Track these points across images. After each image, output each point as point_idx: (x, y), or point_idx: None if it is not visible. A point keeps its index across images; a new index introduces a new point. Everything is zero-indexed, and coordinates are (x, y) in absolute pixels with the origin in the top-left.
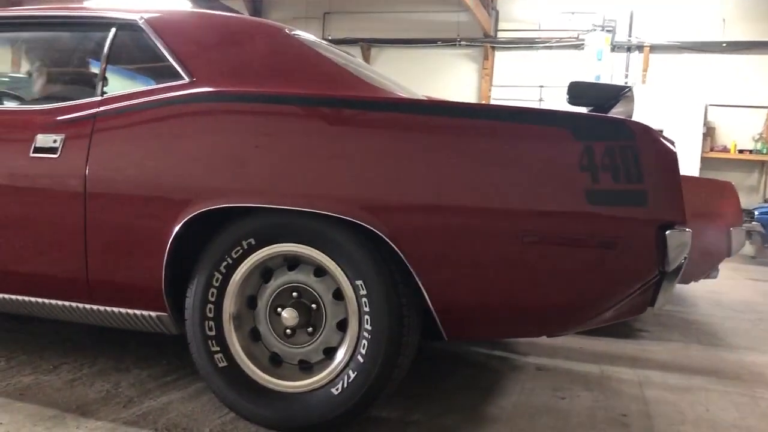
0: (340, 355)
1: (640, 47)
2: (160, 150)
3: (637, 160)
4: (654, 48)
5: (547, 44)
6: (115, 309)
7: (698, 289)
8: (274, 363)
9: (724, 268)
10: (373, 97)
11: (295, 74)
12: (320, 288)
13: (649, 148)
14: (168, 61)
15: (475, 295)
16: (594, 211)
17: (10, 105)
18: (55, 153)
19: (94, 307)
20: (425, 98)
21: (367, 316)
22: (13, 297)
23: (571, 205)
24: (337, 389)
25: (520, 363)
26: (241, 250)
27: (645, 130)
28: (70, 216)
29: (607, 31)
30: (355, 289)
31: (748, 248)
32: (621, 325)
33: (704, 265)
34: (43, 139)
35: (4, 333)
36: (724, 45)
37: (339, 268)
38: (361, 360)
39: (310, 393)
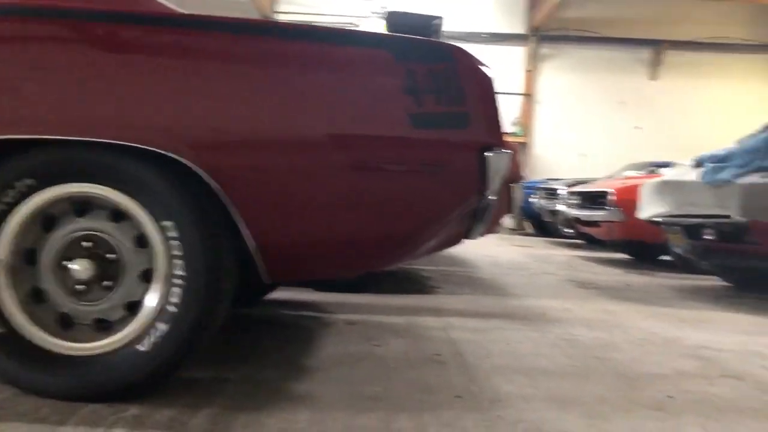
0: (147, 307)
1: None
2: None
3: (459, 83)
4: None
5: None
6: None
7: (477, 254)
8: (65, 325)
9: (493, 238)
10: (169, 12)
11: None
12: (118, 234)
13: (470, 72)
14: None
15: (300, 230)
16: (419, 134)
17: None
18: None
19: None
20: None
21: (178, 261)
22: None
23: (396, 129)
24: (144, 345)
25: (329, 320)
26: (15, 194)
27: (465, 54)
28: None
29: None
30: (163, 231)
31: (510, 221)
32: (417, 283)
33: (493, 219)
34: None
35: None
36: (485, 36)
37: (142, 209)
38: (173, 310)
39: (112, 353)
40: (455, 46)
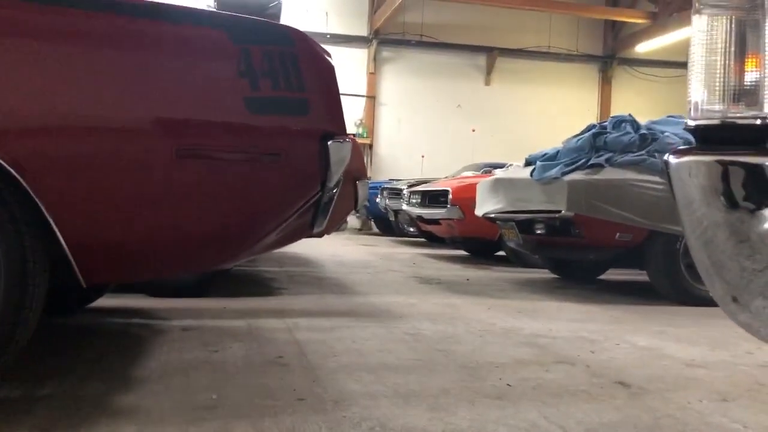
0: None
1: None
2: None
3: (298, 68)
4: None
5: None
6: None
7: (323, 254)
8: None
9: (339, 238)
10: None
11: None
12: None
13: (310, 56)
14: None
15: (121, 227)
16: (255, 120)
17: None
18: None
19: None
20: None
21: None
22: None
23: (229, 114)
24: None
25: (163, 327)
26: None
27: (304, 37)
28: None
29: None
30: None
31: (355, 222)
32: (261, 285)
33: (338, 216)
34: None
35: None
36: (328, 36)
37: None
38: None
39: None
40: (295, 29)
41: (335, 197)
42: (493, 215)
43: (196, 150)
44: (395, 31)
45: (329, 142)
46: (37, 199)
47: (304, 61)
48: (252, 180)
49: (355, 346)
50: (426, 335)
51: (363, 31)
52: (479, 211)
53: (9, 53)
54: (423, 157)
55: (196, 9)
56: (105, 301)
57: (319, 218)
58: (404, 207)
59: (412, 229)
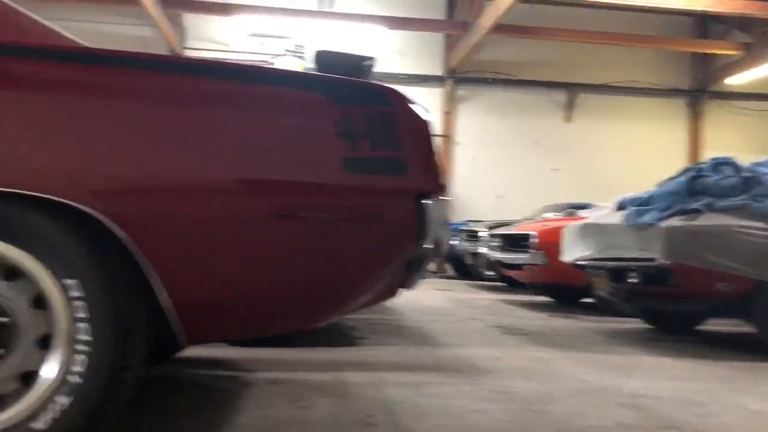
0: (44, 378)
1: None
2: None
3: (395, 127)
4: None
5: None
6: None
7: (400, 299)
8: None
9: None
10: (64, 45)
11: None
12: (12, 294)
13: (406, 115)
14: None
15: (223, 286)
16: (352, 180)
17: None
18: None
19: None
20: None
21: (82, 324)
22: None
23: (328, 174)
24: (40, 423)
25: (249, 379)
26: None
27: (401, 96)
28: None
29: (298, 56)
30: (65, 290)
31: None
32: (343, 334)
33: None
34: None
35: None
36: (403, 77)
37: (40, 265)
38: (77, 380)
39: None
40: (391, 88)
41: (429, 255)
42: (582, 262)
43: (295, 210)
44: (471, 69)
45: (426, 202)
46: (141, 259)
47: (401, 121)
48: (349, 239)
49: (445, 405)
50: (517, 393)
51: (438, 70)
52: (566, 258)
53: (119, 116)
54: (500, 197)
55: (294, 72)
56: (190, 351)
57: (413, 277)
58: (483, 250)
59: (490, 273)
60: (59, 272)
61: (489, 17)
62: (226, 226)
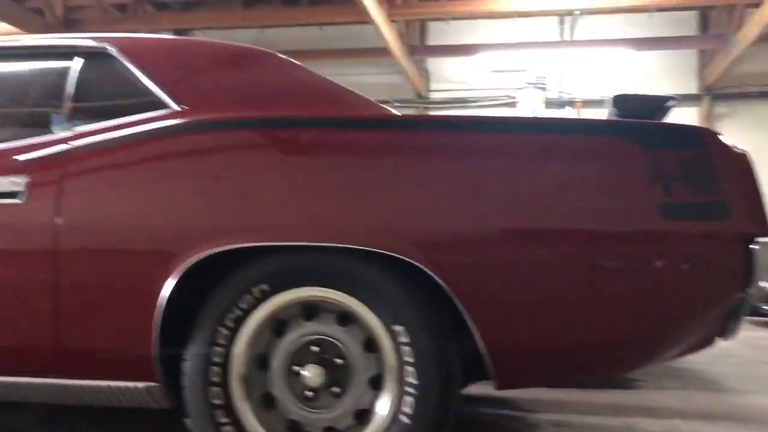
0: (378, 415)
1: (572, 103)
2: (151, 189)
3: (712, 169)
4: (587, 103)
5: (479, 103)
6: (93, 383)
7: None
8: None
9: None
10: (402, 117)
11: (303, 98)
12: (346, 339)
13: (723, 155)
14: (149, 89)
15: (537, 334)
16: (670, 227)
17: None
18: (14, 198)
19: (67, 382)
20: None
21: (410, 368)
22: None
23: (644, 222)
24: None
25: (533, 421)
26: (251, 299)
27: (714, 136)
28: (39, 273)
29: (539, 88)
30: (393, 336)
31: None
32: (617, 377)
33: None
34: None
35: None
36: None
37: (371, 313)
38: (407, 420)
39: None
40: (704, 128)
41: (750, 301)
42: None
43: (611, 259)
44: (730, 83)
45: (753, 246)
46: (462, 307)
47: (717, 161)
48: (667, 288)
49: None
50: None
51: (693, 88)
52: None
53: (438, 176)
54: None
55: (603, 120)
56: (474, 388)
57: (732, 325)
58: (764, 284)
59: None
60: (388, 319)
61: (752, 27)
62: (542, 275)
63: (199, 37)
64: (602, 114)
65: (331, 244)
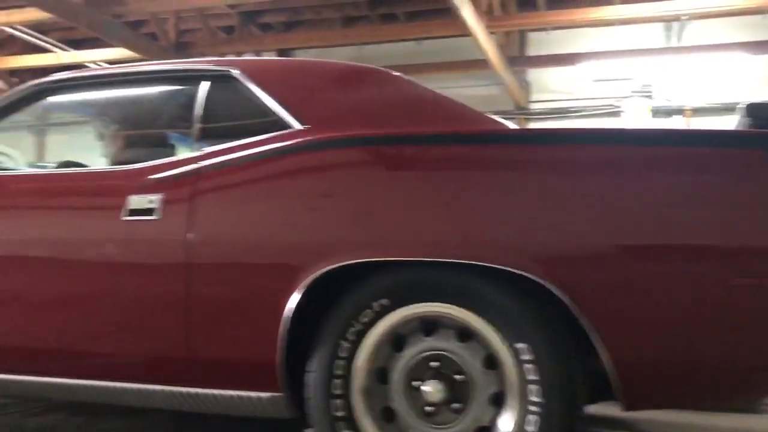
0: None
1: (681, 111)
2: (276, 206)
3: None
4: (697, 111)
5: (582, 113)
6: (219, 392)
7: None
8: None
9: None
10: (524, 131)
11: (418, 114)
12: (466, 355)
13: None
14: (272, 110)
15: (670, 354)
16: None
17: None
18: (151, 215)
19: (194, 390)
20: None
21: (533, 386)
22: (91, 383)
23: None
24: None
25: None
26: (371, 314)
27: None
28: (171, 286)
29: (645, 96)
30: (516, 353)
31: None
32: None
33: None
34: (137, 201)
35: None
36: None
37: (492, 330)
38: None
39: None
40: None
41: None
42: None
43: (746, 275)
44: None
45: None
46: (588, 326)
47: None
48: None
49: None
50: None
51: None
52: None
53: (561, 194)
54: None
55: (731, 131)
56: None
57: None
58: None
59: None
60: (510, 336)
61: None
62: (672, 292)
63: (299, 56)
64: (718, 123)
65: (453, 260)
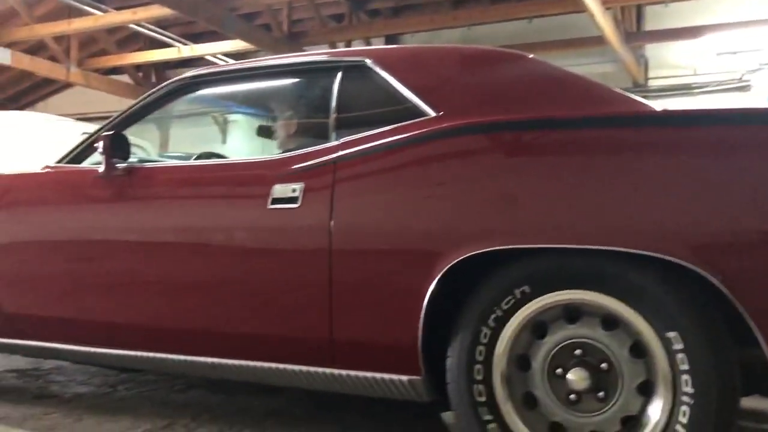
0: (650, 424)
1: None
2: (415, 193)
3: None
4: None
5: (705, 89)
6: (360, 374)
7: None
8: None
9: None
10: (673, 112)
11: (554, 95)
12: (612, 343)
13: None
14: (406, 98)
15: None
16: None
17: (238, 158)
18: (295, 203)
19: (336, 371)
20: None
21: (685, 377)
22: (239, 363)
23: None
24: None
25: None
26: (513, 300)
27: None
28: (314, 271)
29: None
30: (666, 342)
31: None
32: None
33: None
34: (281, 190)
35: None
36: None
37: (641, 318)
38: (682, 431)
39: None
40: None
41: None
42: None
43: None
44: None
45: None
46: (746, 315)
47: None
48: None
49: None
50: None
51: None
52: None
53: (718, 176)
54: None
55: None
56: None
57: None
58: None
59: None
60: (660, 325)
61: None
62: None
63: (407, 41)
64: None
65: (600, 247)
